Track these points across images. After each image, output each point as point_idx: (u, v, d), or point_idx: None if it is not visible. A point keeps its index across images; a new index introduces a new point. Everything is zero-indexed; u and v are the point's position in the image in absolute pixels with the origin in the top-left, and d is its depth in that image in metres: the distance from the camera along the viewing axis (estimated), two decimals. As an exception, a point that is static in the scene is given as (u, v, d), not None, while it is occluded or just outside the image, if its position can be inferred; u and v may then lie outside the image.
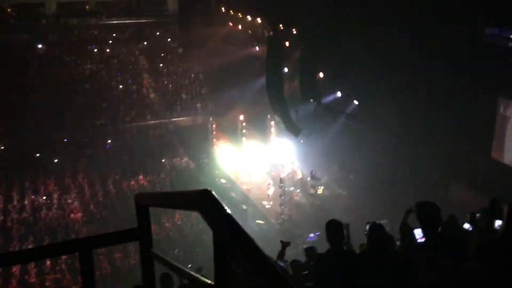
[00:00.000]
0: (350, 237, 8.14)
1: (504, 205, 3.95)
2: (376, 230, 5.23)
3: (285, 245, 8.05)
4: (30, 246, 20.28)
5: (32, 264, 19.48)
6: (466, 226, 7.39)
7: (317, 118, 24.54)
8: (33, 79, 33.29)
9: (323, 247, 5.64)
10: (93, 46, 37.53)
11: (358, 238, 7.22)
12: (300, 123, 24.45)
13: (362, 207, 22.37)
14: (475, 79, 17.66)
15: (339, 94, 25.91)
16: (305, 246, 8.10)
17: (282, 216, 23.94)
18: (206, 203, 1.73)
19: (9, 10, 36.50)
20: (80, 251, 2.44)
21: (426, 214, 4.35)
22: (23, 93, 31.63)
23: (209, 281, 1.98)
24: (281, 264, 7.66)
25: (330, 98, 26.08)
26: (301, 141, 25.89)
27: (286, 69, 26.57)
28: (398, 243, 7.57)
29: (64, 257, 18.82)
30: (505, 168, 18.28)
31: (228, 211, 1.67)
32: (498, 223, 6.31)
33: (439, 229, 4.40)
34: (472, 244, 5.39)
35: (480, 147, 19.25)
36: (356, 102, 24.33)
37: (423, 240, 4.92)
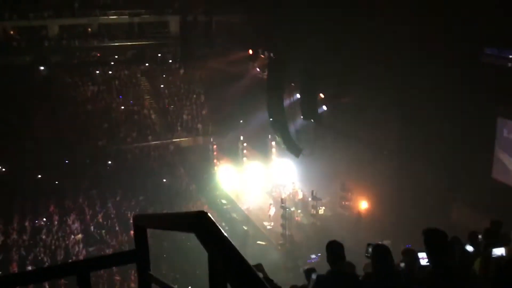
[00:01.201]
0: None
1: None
2: (382, 252, 5.12)
3: None
4: (29, 268, 20.12)
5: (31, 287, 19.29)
6: (469, 248, 7.31)
7: (318, 138, 24.57)
8: (35, 100, 33.45)
9: (324, 269, 5.59)
10: (95, 68, 37.81)
11: (359, 259, 7.14)
12: (301, 143, 24.47)
13: (363, 228, 22.26)
14: (475, 99, 17.74)
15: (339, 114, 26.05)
16: (305, 268, 7.98)
17: (283, 237, 23.79)
18: (201, 225, 1.72)
19: (12, 32, 36.87)
20: (78, 274, 2.42)
21: (433, 241, 4.30)
22: (25, 114, 31.78)
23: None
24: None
25: (330, 118, 26.22)
26: (302, 157, 25.79)
27: (286, 90, 26.72)
28: (402, 265, 7.50)
29: (62, 280, 18.66)
30: (506, 188, 18.23)
31: (224, 233, 1.67)
32: (500, 250, 6.25)
33: (446, 256, 4.34)
34: (475, 267, 5.35)
35: (481, 167, 19.24)
36: (356, 121, 24.40)
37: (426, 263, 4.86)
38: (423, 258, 5.89)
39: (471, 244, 7.30)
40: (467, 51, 18.05)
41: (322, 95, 25.75)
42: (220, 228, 1.67)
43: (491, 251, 5.65)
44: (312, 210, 25.61)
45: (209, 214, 1.77)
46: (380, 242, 5.86)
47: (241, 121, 32.50)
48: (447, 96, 18.72)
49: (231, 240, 1.62)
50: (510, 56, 17.91)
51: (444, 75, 18.41)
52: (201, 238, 1.69)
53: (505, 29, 16.25)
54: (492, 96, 17.47)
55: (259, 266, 6.31)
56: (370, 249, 6.15)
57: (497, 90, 17.11)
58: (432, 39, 18.70)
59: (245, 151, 31.19)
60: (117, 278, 20.57)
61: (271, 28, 27.06)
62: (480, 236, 7.36)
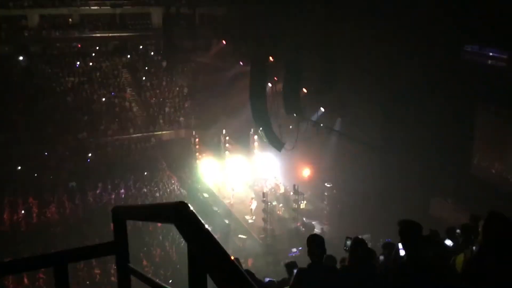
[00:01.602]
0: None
1: (480, 222, 3.99)
2: (358, 245, 5.24)
3: None
4: (6, 259, 19.85)
5: (9, 279, 19.07)
6: (448, 242, 7.41)
7: (300, 132, 24.63)
8: (14, 91, 32.89)
9: (304, 263, 5.62)
10: (76, 59, 37.28)
11: (339, 253, 7.20)
12: (283, 137, 24.52)
13: (344, 222, 22.44)
14: (455, 95, 17.97)
15: (322, 109, 26.15)
16: (286, 261, 8.02)
17: (265, 231, 23.87)
18: (181, 216, 1.70)
19: (-10, 22, 36.16)
20: (55, 265, 2.38)
21: (408, 233, 4.36)
22: (3, 105, 31.22)
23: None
24: (267, 280, 7.61)
25: (313, 113, 26.33)
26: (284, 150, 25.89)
27: (269, 84, 26.71)
28: (381, 257, 7.58)
29: (42, 271, 18.49)
30: (485, 183, 18.54)
31: (205, 224, 1.65)
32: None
33: (420, 247, 4.41)
34: (453, 261, 5.42)
35: (461, 162, 19.53)
36: (339, 117, 24.58)
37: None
38: (401, 249, 5.96)
39: (449, 239, 7.41)
40: (448, 48, 18.25)
41: (305, 90, 25.80)
42: (200, 219, 1.65)
43: (472, 248, 5.73)
44: (294, 204, 25.71)
45: (189, 205, 1.75)
46: (359, 236, 5.92)
47: (223, 115, 32.43)
48: (428, 92, 18.93)
49: (211, 232, 1.60)
50: (490, 54, 18.17)
51: (426, 72, 18.61)
52: (180, 229, 1.67)
53: (485, 26, 16.45)
54: (472, 93, 17.71)
55: (236, 261, 6.32)
56: (348, 243, 6.22)
57: (477, 86, 17.34)
58: (414, 36, 18.86)
59: (227, 145, 31.14)
60: (97, 271, 20.44)
61: (255, 21, 26.99)
62: (458, 231, 7.46)
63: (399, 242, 5.21)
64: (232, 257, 1.53)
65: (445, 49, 18.22)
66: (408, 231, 4.36)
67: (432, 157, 19.81)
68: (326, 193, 25.36)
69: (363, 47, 20.88)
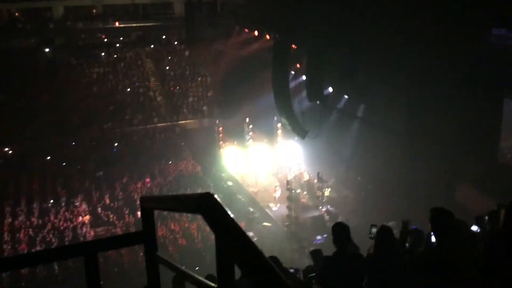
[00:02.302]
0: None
1: (501, 210, 3.93)
2: (384, 233, 5.22)
3: None
4: (38, 249, 20.39)
5: (40, 267, 19.61)
6: (474, 228, 7.33)
7: (323, 120, 24.50)
8: (41, 83, 33.49)
9: (330, 250, 5.63)
10: (100, 50, 37.71)
11: (364, 241, 7.18)
12: (306, 125, 24.41)
13: (369, 209, 22.31)
14: (482, 80, 17.59)
15: (345, 96, 25.93)
16: (311, 249, 8.04)
17: (289, 218, 23.91)
18: (208, 206, 1.73)
19: (17, 14, 36.78)
20: (85, 255, 2.45)
21: (439, 220, 4.33)
22: (31, 97, 31.85)
23: (214, 284, 1.99)
24: (292, 270, 7.64)
25: (336, 100, 26.14)
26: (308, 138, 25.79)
27: (292, 71, 26.57)
28: (406, 245, 7.53)
29: (71, 260, 18.91)
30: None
31: (231, 214, 1.68)
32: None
33: (451, 235, 4.38)
34: (479, 247, 5.36)
35: (487, 149, 19.17)
36: (363, 104, 24.33)
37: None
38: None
39: (477, 225, 7.32)
40: (474, 32, 17.83)
41: (328, 77, 25.59)
42: (226, 209, 1.68)
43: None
44: (318, 192, 25.66)
45: (215, 196, 1.78)
46: (384, 224, 5.90)
47: (246, 103, 32.44)
48: (454, 77, 18.56)
49: (236, 221, 1.62)
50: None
51: (452, 57, 18.22)
52: (207, 219, 1.70)
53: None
54: (499, 78, 17.31)
55: (273, 259, 6.36)
56: (373, 230, 6.19)
57: (505, 71, 16.93)
58: (440, 21, 18.48)
59: (250, 133, 31.17)
60: (125, 259, 20.83)
61: (277, 8, 26.81)
62: (486, 218, 7.37)
63: (426, 229, 5.19)
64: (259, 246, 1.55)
65: (471, 33, 17.80)
66: (440, 219, 4.33)
67: (457, 144, 19.49)
68: (350, 181, 25.23)
69: (386, 32, 20.56)
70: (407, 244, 7.12)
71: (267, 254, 1.56)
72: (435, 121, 20.12)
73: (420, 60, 19.44)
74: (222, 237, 1.59)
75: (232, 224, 1.57)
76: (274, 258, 6.50)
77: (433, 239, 5.87)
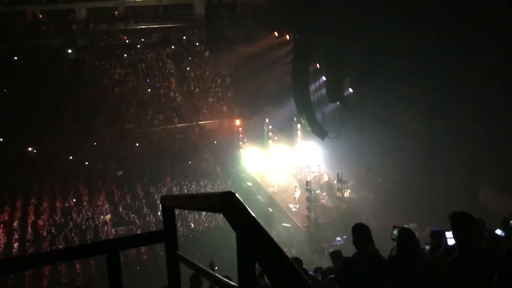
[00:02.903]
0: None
1: None
2: (406, 235, 5.16)
3: None
4: (60, 247, 20.70)
5: (62, 264, 19.88)
6: (498, 232, 7.19)
7: (343, 121, 24.37)
8: (63, 83, 33.99)
9: (349, 252, 5.59)
10: (122, 51, 38.12)
11: (384, 242, 7.12)
12: (326, 126, 24.31)
13: (389, 211, 22.10)
14: (504, 80, 17.28)
15: (366, 96, 25.73)
16: (331, 250, 8.00)
17: (309, 219, 23.83)
18: (229, 205, 1.74)
19: (40, 16, 37.39)
20: (107, 253, 2.48)
21: (461, 225, 4.26)
22: (54, 97, 32.34)
23: (234, 284, 1.99)
24: (311, 273, 7.62)
25: (357, 100, 25.95)
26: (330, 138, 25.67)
27: (312, 72, 26.48)
28: (427, 247, 7.43)
29: (92, 258, 19.14)
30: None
31: (252, 213, 1.68)
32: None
33: (473, 239, 4.29)
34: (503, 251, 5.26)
35: (509, 151, 18.82)
36: (383, 104, 24.11)
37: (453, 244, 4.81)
38: (450, 238, 5.83)
39: (501, 229, 7.18)
40: (500, 36, 17.51)
41: (348, 78, 25.44)
42: (247, 208, 1.68)
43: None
44: (338, 192, 25.52)
45: (236, 194, 1.78)
46: (405, 225, 5.84)
47: (266, 104, 32.43)
48: (476, 78, 18.28)
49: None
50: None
51: (474, 58, 17.95)
52: (229, 218, 1.71)
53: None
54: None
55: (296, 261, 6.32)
56: (395, 232, 6.13)
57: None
58: (461, 22, 18.22)
59: (270, 134, 31.17)
60: (145, 257, 21.00)
61: (297, 8, 26.74)
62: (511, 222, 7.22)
63: (447, 230, 5.11)
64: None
65: (498, 37, 17.48)
66: (461, 223, 4.26)
67: (480, 145, 19.18)
68: (370, 182, 25.04)
69: (407, 31, 20.36)
70: (427, 247, 7.04)
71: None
72: (457, 122, 19.84)
73: (442, 61, 19.19)
74: (243, 236, 1.59)
75: (254, 223, 1.57)
76: (296, 260, 6.49)
77: (449, 242, 5.78)
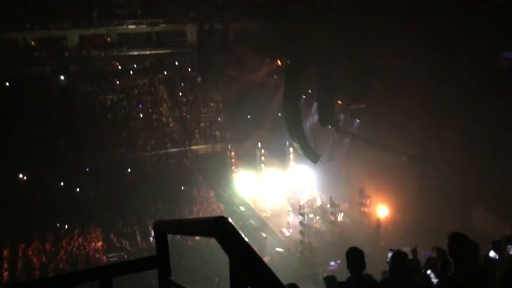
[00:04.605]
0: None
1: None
2: (399, 258, 5.16)
3: None
4: (51, 275, 20.36)
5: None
6: (492, 254, 7.18)
7: (335, 144, 24.46)
8: (55, 110, 33.93)
9: (344, 276, 5.55)
10: (114, 77, 38.24)
11: (380, 266, 7.09)
12: (319, 150, 24.38)
13: (384, 234, 22.04)
14: (496, 103, 17.50)
15: (357, 120, 25.92)
16: (325, 275, 7.94)
17: (302, 244, 23.68)
18: (222, 229, 1.73)
19: (32, 43, 37.53)
20: (100, 279, 2.45)
21: (458, 247, 4.28)
22: (45, 123, 32.24)
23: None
24: None
25: (348, 124, 26.12)
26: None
27: (303, 96, 26.69)
28: (428, 271, 7.37)
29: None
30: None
31: (245, 238, 1.67)
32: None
33: (467, 260, 4.32)
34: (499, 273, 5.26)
35: (503, 173, 18.95)
36: (375, 127, 24.28)
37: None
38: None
39: (494, 251, 7.18)
40: (486, 55, 17.83)
41: (339, 102, 25.65)
42: (240, 232, 1.68)
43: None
44: (331, 216, 25.44)
45: (229, 219, 1.78)
46: (400, 249, 5.82)
47: (258, 128, 32.53)
48: (468, 101, 18.50)
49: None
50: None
51: (465, 80, 18.21)
52: (221, 242, 1.70)
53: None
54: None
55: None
56: (390, 255, 6.11)
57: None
58: (451, 44, 18.53)
59: (263, 158, 31.19)
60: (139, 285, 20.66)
61: (288, 34, 27.09)
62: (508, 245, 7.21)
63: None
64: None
65: (482, 56, 17.79)
66: (457, 243, 4.28)
67: (474, 167, 19.29)
68: (363, 205, 25.00)
69: (397, 55, 20.64)
70: (429, 271, 7.01)
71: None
72: (449, 144, 19.99)
73: (432, 83, 19.45)
74: (236, 260, 1.59)
75: (246, 247, 1.57)
76: (293, 286, 6.42)
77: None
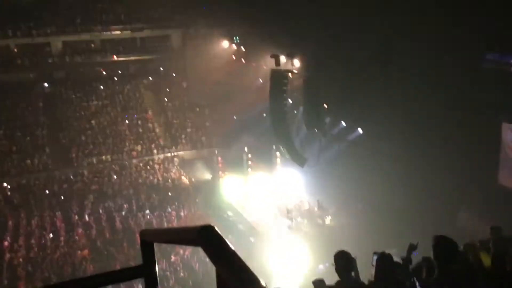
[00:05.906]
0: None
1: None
2: (383, 261, 5.19)
3: None
4: (36, 285, 20.13)
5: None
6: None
7: (322, 148, 24.53)
8: (39, 117, 33.64)
9: (332, 280, 5.56)
10: (99, 83, 38.03)
11: (368, 268, 7.11)
12: (305, 153, 24.44)
13: (371, 237, 22.11)
14: (478, 105, 17.69)
15: (343, 123, 26.02)
16: (314, 279, 7.94)
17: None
18: (207, 238, 1.72)
19: (15, 49, 37.19)
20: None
21: (443, 250, 4.31)
22: (30, 131, 31.95)
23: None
24: None
25: (334, 127, 26.22)
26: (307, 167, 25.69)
27: (290, 100, 26.74)
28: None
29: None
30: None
31: (231, 246, 1.66)
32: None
33: (452, 262, 4.35)
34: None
35: (487, 174, 19.15)
36: (360, 131, 24.40)
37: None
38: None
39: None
40: (468, 57, 18.02)
41: (325, 105, 25.74)
42: (227, 241, 1.66)
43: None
44: (319, 220, 25.49)
45: (215, 228, 1.76)
46: (384, 251, 5.86)
47: (244, 133, 32.55)
48: (450, 103, 18.68)
49: (238, 253, 1.61)
50: (513, 61, 17.87)
51: (446, 82, 18.39)
52: (207, 251, 1.69)
53: (506, 33, 16.22)
54: (495, 102, 17.41)
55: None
56: (375, 258, 6.15)
57: (500, 95, 17.05)
58: (433, 47, 18.72)
59: (250, 162, 31.18)
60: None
61: (273, 37, 27.14)
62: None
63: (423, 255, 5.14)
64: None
65: (465, 58, 17.98)
66: (441, 246, 4.31)
67: (458, 168, 19.46)
68: (350, 208, 25.07)
69: (381, 58, 20.80)
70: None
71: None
72: (433, 146, 20.15)
73: (416, 85, 19.61)
74: (222, 269, 1.57)
75: (233, 256, 1.55)
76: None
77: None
